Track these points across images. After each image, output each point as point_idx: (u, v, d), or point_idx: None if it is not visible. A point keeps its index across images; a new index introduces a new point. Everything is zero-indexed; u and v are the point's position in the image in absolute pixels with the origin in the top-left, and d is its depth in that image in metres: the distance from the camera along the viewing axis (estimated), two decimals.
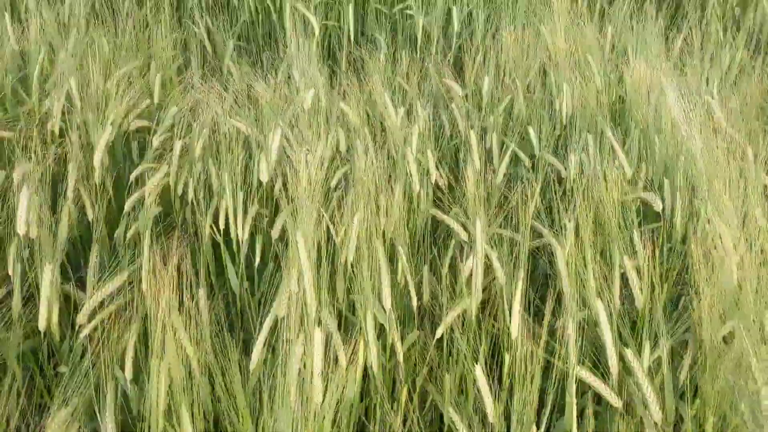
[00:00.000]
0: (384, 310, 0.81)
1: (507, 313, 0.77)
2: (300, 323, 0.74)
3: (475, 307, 0.77)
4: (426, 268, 0.93)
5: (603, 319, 0.71)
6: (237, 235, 0.99)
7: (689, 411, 0.73)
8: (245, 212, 0.99)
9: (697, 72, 1.37)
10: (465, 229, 0.97)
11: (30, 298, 0.99)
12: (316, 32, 1.56)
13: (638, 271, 0.85)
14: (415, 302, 0.84)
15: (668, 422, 0.76)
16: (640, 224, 1.08)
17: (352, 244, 0.82)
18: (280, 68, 1.36)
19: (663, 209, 1.00)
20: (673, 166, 1.02)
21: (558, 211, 1.10)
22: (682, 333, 0.91)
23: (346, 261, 0.84)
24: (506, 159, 1.15)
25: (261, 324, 0.78)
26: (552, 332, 0.99)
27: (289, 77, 1.35)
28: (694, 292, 0.88)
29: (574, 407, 0.70)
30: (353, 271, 0.82)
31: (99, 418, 0.67)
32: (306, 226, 0.79)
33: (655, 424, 0.72)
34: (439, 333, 0.80)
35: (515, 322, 0.73)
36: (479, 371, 0.71)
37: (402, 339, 0.90)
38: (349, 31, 1.70)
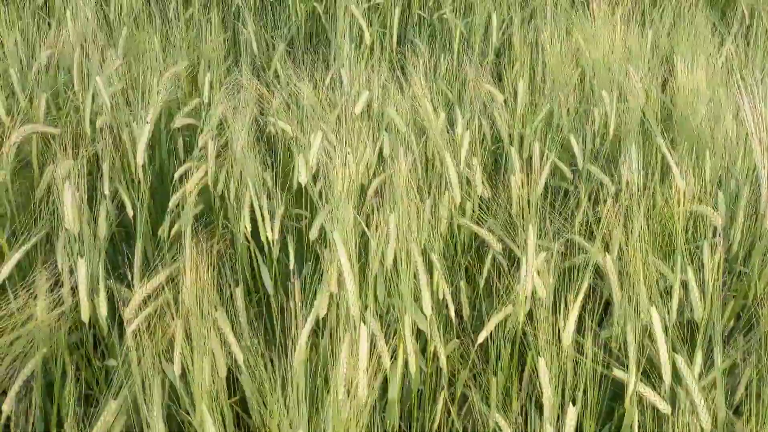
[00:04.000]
0: (424, 315, 0.80)
1: (554, 326, 0.75)
2: (344, 323, 0.74)
3: (522, 316, 0.76)
4: (463, 283, 0.92)
5: (657, 327, 0.70)
6: (267, 237, 0.99)
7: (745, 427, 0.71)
8: (272, 214, 0.99)
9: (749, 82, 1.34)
10: (501, 241, 0.97)
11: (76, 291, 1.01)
12: (367, 40, 1.57)
13: (702, 283, 0.83)
14: (452, 311, 0.84)
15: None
16: (695, 239, 1.06)
17: (390, 248, 0.82)
18: (329, 71, 1.36)
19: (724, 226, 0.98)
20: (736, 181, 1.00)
21: (607, 225, 1.08)
22: (742, 349, 0.89)
23: (383, 265, 0.83)
24: (546, 169, 1.13)
25: (304, 321, 0.78)
26: (595, 341, 0.97)
27: (339, 81, 1.36)
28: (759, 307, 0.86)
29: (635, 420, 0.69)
30: (391, 276, 0.82)
31: (147, 411, 0.68)
32: (343, 227, 0.79)
33: (702, 430, 0.71)
34: (481, 338, 0.80)
35: (567, 340, 0.72)
36: (542, 366, 0.69)
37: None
38: (392, 35, 1.71)
